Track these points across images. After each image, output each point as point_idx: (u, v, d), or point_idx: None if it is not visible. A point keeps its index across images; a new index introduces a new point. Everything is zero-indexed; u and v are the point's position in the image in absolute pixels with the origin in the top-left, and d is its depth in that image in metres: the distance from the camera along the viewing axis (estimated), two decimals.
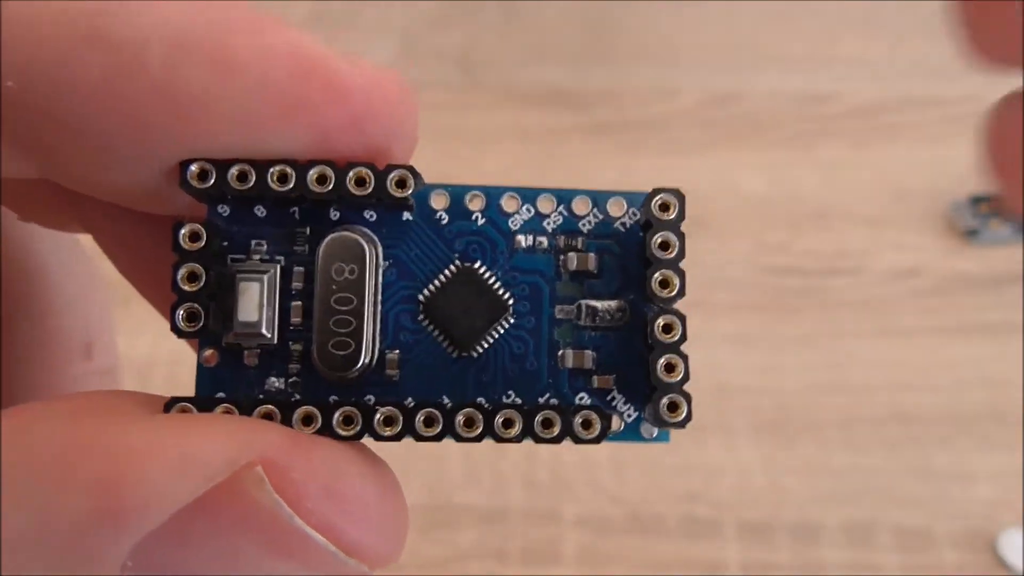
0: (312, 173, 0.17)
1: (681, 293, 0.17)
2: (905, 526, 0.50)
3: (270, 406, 0.16)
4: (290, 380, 0.17)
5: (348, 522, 0.15)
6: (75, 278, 0.25)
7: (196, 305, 0.17)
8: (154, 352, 0.53)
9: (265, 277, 0.17)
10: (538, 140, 0.65)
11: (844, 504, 0.50)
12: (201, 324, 0.17)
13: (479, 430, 0.17)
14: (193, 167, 0.16)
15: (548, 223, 0.18)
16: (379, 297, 0.17)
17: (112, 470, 0.14)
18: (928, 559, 0.49)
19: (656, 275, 0.17)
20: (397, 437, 0.16)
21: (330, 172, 0.17)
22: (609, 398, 0.18)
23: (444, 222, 0.18)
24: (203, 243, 0.17)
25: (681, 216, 0.17)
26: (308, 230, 0.18)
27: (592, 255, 0.18)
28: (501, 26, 0.72)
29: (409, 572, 0.48)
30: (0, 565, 0.13)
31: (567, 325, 0.18)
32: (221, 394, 0.17)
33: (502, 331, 0.18)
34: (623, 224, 0.18)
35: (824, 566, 0.49)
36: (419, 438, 0.16)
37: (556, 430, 0.17)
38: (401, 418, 0.16)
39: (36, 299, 0.24)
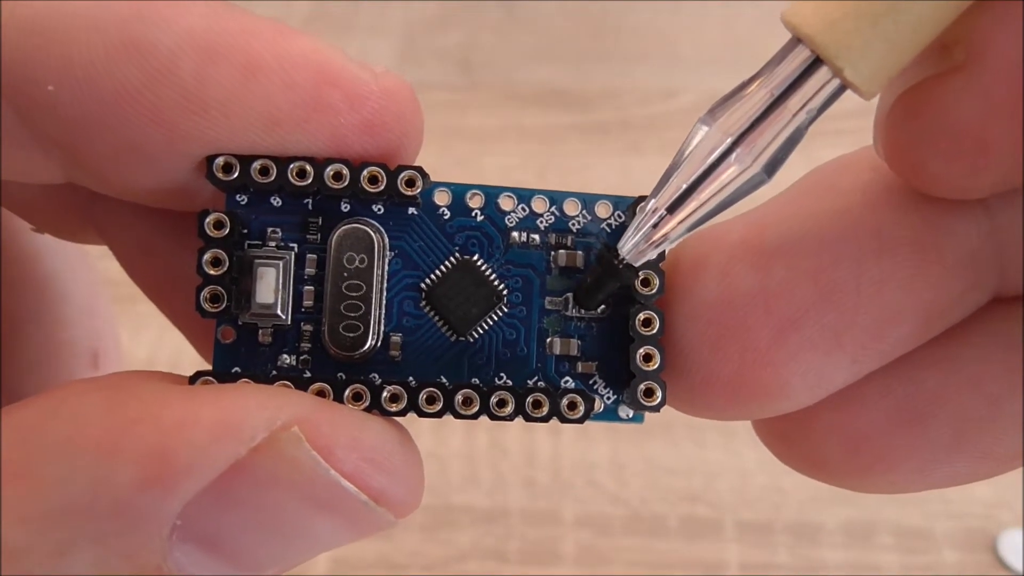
0: (329, 170, 0.18)
1: (660, 291, 0.19)
2: (905, 526, 0.50)
3: (286, 381, 0.18)
4: (301, 357, 0.19)
5: (374, 469, 0.16)
6: (83, 289, 0.26)
7: (219, 288, 0.18)
8: (155, 349, 0.54)
9: (281, 263, 0.18)
10: (538, 140, 0.66)
11: (844, 504, 0.51)
12: (223, 306, 0.18)
13: (476, 408, 0.18)
14: (219, 160, 0.18)
15: (541, 221, 0.20)
16: (385, 284, 0.19)
17: (159, 440, 0.15)
18: (928, 559, 0.49)
19: (640, 275, 0.19)
20: (402, 412, 0.18)
21: (345, 170, 0.18)
22: (591, 382, 0.19)
23: (446, 217, 0.19)
24: (227, 231, 0.18)
25: None
26: (320, 220, 0.19)
27: (580, 253, 0.19)
28: (501, 26, 0.72)
29: (410, 572, 0.48)
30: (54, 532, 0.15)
31: (555, 315, 0.19)
32: (236, 368, 0.19)
33: (496, 318, 0.19)
34: (609, 225, 0.20)
35: (824, 566, 0.49)
36: (421, 414, 0.18)
37: (545, 410, 0.18)
38: (406, 396, 0.18)
39: (46, 309, 0.25)
